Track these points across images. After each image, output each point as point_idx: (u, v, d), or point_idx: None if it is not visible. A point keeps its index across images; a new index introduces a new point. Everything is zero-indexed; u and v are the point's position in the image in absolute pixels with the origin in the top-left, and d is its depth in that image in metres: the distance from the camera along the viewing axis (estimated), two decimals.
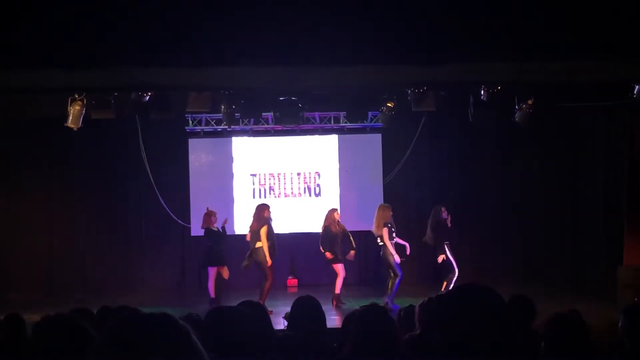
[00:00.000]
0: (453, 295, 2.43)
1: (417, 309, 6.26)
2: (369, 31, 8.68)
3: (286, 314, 5.49)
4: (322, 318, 5.10)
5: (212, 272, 12.66)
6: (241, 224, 14.84)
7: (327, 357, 4.48)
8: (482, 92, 11.66)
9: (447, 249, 12.96)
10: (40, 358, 3.23)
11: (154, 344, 1.68)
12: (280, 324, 7.38)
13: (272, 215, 12.83)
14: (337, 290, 12.69)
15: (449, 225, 13.13)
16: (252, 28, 8.57)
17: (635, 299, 11.03)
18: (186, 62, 9.10)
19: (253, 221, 12.35)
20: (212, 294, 12.59)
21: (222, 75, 9.81)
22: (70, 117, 11.56)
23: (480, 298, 2.39)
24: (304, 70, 9.69)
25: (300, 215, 14.49)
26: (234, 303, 5.07)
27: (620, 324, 4.66)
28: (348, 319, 5.71)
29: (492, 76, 10.24)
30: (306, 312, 5.03)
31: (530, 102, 12.15)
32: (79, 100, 11.50)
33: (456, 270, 12.85)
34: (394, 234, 12.66)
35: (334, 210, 13.05)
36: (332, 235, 12.72)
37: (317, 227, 13.65)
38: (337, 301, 12.59)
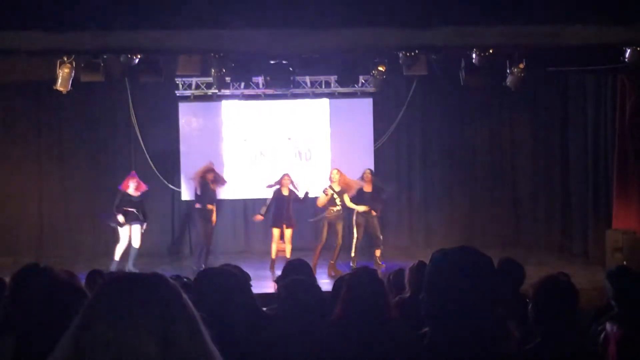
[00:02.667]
0: (444, 258, 2.44)
1: (407, 271, 6.30)
2: None
3: (277, 277, 5.51)
4: (313, 281, 5.12)
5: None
6: (231, 188, 14.84)
7: (317, 320, 4.50)
8: (474, 56, 11.62)
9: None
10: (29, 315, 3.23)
11: (145, 302, 1.68)
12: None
13: (263, 179, 12.93)
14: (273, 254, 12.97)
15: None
16: None
17: (624, 262, 11.11)
18: (176, 24, 9.04)
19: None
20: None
21: (212, 38, 9.76)
22: (60, 80, 11.48)
23: (471, 260, 2.40)
24: (294, 33, 9.64)
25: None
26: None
27: (607, 288, 4.69)
28: (338, 282, 5.74)
29: (483, 40, 10.21)
30: (297, 276, 5.04)
31: (521, 66, 12.11)
32: (68, 63, 11.41)
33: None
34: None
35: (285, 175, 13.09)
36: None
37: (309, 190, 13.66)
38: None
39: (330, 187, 12.68)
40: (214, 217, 13.02)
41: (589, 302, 7.16)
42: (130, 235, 12.77)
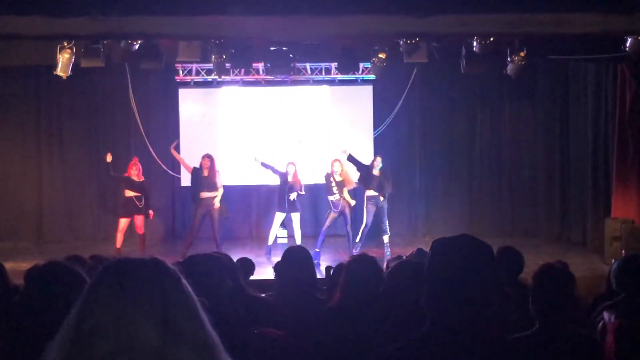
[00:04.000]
0: (444, 246, 2.45)
1: (405, 258, 6.31)
2: None
3: (276, 263, 5.51)
4: (312, 269, 5.13)
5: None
6: (231, 175, 14.85)
7: (316, 307, 4.52)
8: (475, 44, 11.60)
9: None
10: (33, 305, 3.24)
11: (144, 287, 1.69)
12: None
13: (261, 167, 12.98)
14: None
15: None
16: None
17: (622, 252, 11.13)
18: (176, 10, 9.02)
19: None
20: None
21: (212, 24, 9.74)
22: (60, 65, 11.46)
23: (471, 248, 2.41)
24: (295, 20, 9.62)
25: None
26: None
27: (611, 274, 4.69)
28: (337, 270, 5.75)
29: (484, 27, 10.19)
30: (296, 262, 5.05)
31: (522, 54, 12.09)
32: (68, 48, 11.39)
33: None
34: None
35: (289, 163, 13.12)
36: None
37: (306, 178, 13.69)
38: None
39: (332, 176, 12.79)
40: (215, 202, 12.89)
41: (586, 291, 7.19)
42: (130, 224, 12.83)
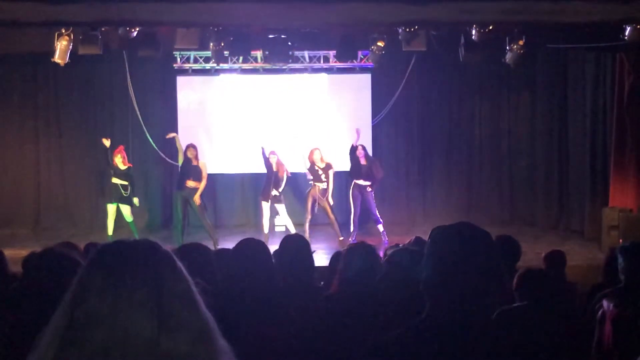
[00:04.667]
0: (443, 234, 2.44)
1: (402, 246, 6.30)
2: None
3: (274, 251, 5.51)
4: (310, 256, 5.13)
5: None
6: (228, 162, 14.85)
7: (314, 295, 4.52)
8: (474, 33, 11.59)
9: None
10: (31, 292, 3.24)
11: (137, 271, 1.67)
12: None
13: (260, 154, 13.00)
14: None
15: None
16: None
17: (620, 240, 11.15)
18: None
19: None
20: None
21: (210, 11, 9.71)
22: (57, 53, 11.45)
23: (470, 236, 2.41)
24: (294, 7, 9.60)
25: (288, 155, 14.44)
26: None
27: (619, 262, 4.69)
28: (335, 257, 5.76)
29: (483, 16, 10.16)
30: (294, 251, 5.05)
31: (521, 42, 12.08)
32: (66, 35, 11.37)
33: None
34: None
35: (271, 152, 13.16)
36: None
37: (303, 166, 13.72)
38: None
39: (315, 165, 12.87)
40: (195, 197, 12.82)
41: (584, 279, 7.21)
42: (118, 212, 12.81)
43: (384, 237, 12.87)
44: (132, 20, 10.47)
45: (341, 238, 12.79)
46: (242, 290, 3.79)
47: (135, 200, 12.86)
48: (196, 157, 12.81)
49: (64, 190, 15.28)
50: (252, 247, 4.07)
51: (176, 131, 14.16)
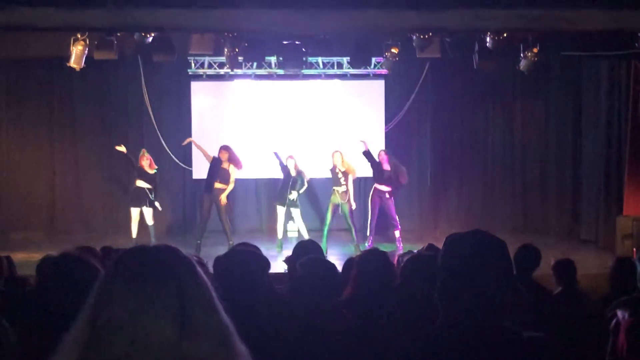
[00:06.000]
0: (458, 242, 2.45)
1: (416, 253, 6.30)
2: None
3: (287, 257, 5.53)
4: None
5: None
6: (244, 168, 14.87)
7: (330, 299, 4.52)
8: (488, 40, 11.58)
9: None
10: (47, 296, 3.25)
11: (159, 277, 1.68)
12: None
13: (273, 159, 13.03)
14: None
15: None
16: None
17: (634, 250, 11.10)
18: (190, 3, 9.03)
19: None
20: None
21: (225, 17, 9.74)
22: (73, 57, 11.51)
23: (485, 245, 2.42)
24: (308, 14, 9.61)
25: (301, 160, 14.46)
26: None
27: (638, 271, 4.67)
28: (348, 263, 5.76)
29: (498, 23, 10.15)
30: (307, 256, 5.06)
31: (535, 50, 12.06)
32: (82, 40, 11.45)
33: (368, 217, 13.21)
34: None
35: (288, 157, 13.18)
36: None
37: (316, 172, 13.73)
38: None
39: (336, 168, 12.85)
40: (222, 197, 12.88)
41: (596, 288, 7.18)
42: (141, 215, 12.89)
43: (399, 243, 12.87)
44: (148, 25, 10.51)
45: (356, 244, 12.75)
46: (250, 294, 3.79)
47: (157, 204, 12.92)
48: (227, 160, 12.85)
49: (78, 193, 15.34)
50: (247, 252, 4.06)
51: (190, 135, 14.22)
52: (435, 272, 2.46)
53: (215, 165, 12.88)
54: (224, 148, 12.94)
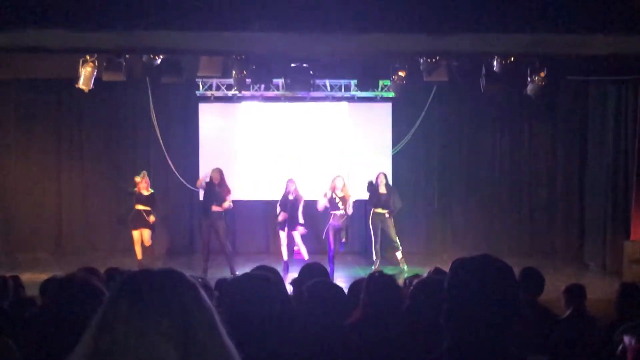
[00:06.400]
0: (465, 266, 2.44)
1: (423, 277, 6.29)
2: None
3: (293, 279, 5.52)
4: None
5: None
6: (249, 189, 14.89)
7: (338, 322, 4.51)
8: (495, 63, 11.61)
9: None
10: (52, 318, 3.25)
11: (163, 300, 1.68)
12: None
13: (280, 182, 13.07)
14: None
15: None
16: None
17: None
18: (198, 25, 9.06)
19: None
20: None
21: (233, 40, 9.78)
22: (82, 79, 11.58)
23: (492, 270, 2.41)
24: (316, 37, 9.64)
25: (307, 182, 14.47)
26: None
27: None
28: (355, 287, 5.75)
29: (506, 47, 10.18)
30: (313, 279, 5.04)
31: (542, 74, 12.08)
32: (91, 61, 11.51)
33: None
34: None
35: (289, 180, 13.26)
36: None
37: (323, 194, 13.75)
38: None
39: (334, 192, 12.84)
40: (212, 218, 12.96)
41: (603, 313, 7.14)
42: (141, 236, 12.94)
43: (403, 264, 12.89)
44: (157, 47, 10.56)
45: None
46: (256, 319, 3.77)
47: (152, 217, 12.93)
48: (220, 182, 12.88)
49: (85, 214, 15.37)
50: (265, 275, 4.05)
51: (197, 157, 14.27)
52: (442, 296, 2.45)
53: (210, 189, 12.94)
54: (216, 171, 13.00)
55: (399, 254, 13.12)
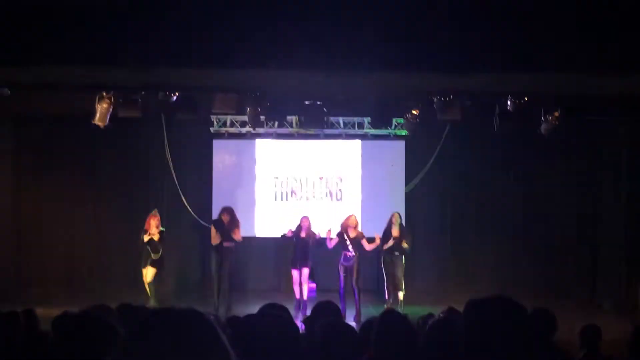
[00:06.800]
0: (479, 308, 2.44)
1: (437, 317, 6.24)
2: (397, 38, 8.69)
3: (304, 317, 5.50)
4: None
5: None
6: (262, 226, 14.89)
7: None
8: (508, 103, 11.62)
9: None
10: (62, 354, 3.24)
11: (181, 338, 1.67)
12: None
13: (293, 219, 13.05)
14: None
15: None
16: (281, 31, 8.61)
17: None
18: (213, 63, 9.15)
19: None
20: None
21: (249, 77, 9.86)
22: (98, 115, 11.65)
23: (507, 312, 2.40)
24: (329, 75, 9.71)
25: (321, 220, 14.47)
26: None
27: None
28: (367, 326, 5.72)
29: (521, 87, 10.21)
30: (326, 318, 5.02)
31: (556, 114, 12.09)
32: (107, 98, 11.58)
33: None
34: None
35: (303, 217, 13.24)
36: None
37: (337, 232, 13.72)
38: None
39: (346, 231, 12.76)
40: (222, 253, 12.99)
41: (619, 355, 7.07)
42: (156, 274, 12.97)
43: (401, 306, 12.74)
44: (172, 84, 10.65)
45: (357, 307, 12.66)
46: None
47: (145, 237, 12.90)
48: (230, 220, 12.91)
49: (97, 249, 15.37)
50: (278, 314, 4.03)
51: (210, 194, 14.31)
52: (456, 337, 2.44)
53: (220, 228, 12.97)
54: (226, 210, 13.04)
55: (400, 295, 13.02)
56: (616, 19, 8.57)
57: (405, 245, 13.07)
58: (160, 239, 12.98)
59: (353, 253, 12.74)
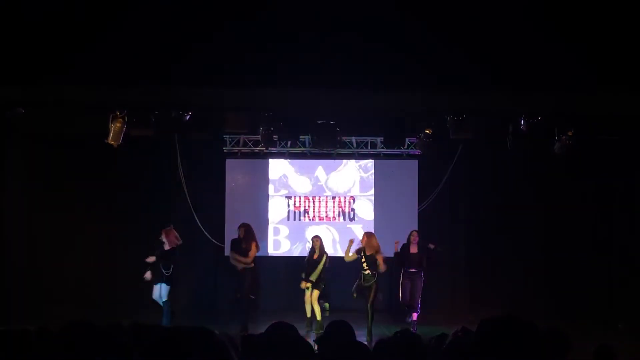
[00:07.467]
0: (491, 328, 2.42)
1: (451, 337, 6.20)
2: (410, 57, 8.71)
3: (317, 337, 5.47)
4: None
5: None
6: (276, 245, 14.90)
7: None
8: (522, 122, 11.60)
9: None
10: None
11: (192, 357, 1.67)
12: None
13: (304, 238, 13.02)
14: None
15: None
16: (295, 52, 8.64)
17: None
18: (227, 82, 9.18)
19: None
20: None
21: (261, 97, 9.88)
22: (111, 134, 11.69)
23: (518, 333, 2.38)
24: (342, 95, 9.73)
25: (334, 240, 14.47)
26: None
27: None
28: (380, 345, 5.69)
29: (535, 106, 10.19)
30: (339, 337, 5.00)
31: (570, 133, 12.06)
32: (120, 117, 11.63)
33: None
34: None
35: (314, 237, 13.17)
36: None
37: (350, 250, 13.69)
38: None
39: (363, 250, 12.60)
40: (238, 262, 12.94)
41: None
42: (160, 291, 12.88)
43: (414, 327, 12.59)
44: (186, 104, 10.69)
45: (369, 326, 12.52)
46: None
47: (151, 258, 12.84)
48: (245, 236, 12.86)
49: (109, 268, 15.38)
50: (291, 334, 4.01)
51: (223, 213, 14.30)
52: (470, 357, 2.43)
53: (237, 246, 12.93)
54: (243, 226, 12.99)
55: (414, 316, 12.93)
56: (627, 39, 8.57)
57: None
58: (170, 254, 12.90)
59: (369, 272, 12.54)
